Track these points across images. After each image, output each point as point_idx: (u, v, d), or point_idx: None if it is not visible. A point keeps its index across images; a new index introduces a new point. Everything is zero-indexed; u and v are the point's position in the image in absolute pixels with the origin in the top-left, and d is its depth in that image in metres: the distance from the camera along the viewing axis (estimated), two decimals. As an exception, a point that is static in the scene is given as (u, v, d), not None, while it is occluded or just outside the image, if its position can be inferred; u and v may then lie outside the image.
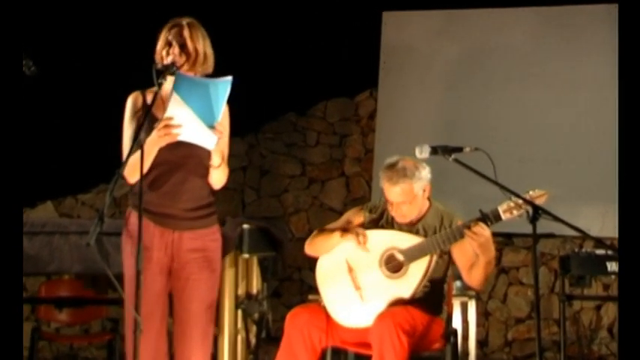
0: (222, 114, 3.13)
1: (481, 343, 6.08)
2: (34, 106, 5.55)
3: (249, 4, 6.16)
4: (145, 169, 3.08)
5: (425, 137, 5.05)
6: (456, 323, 4.85)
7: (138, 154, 2.99)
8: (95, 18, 5.88)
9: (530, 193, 3.50)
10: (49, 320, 5.68)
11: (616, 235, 4.89)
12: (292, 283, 6.61)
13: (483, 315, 6.15)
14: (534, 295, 3.29)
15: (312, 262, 3.99)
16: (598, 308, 5.97)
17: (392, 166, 3.79)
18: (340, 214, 4.19)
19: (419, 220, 3.87)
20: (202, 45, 3.23)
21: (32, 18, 5.08)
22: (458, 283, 4.63)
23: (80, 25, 5.88)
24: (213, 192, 3.35)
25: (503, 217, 3.60)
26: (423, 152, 3.56)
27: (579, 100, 5.90)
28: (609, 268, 4.82)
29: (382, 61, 6.42)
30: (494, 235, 3.70)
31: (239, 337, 4.69)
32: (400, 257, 3.78)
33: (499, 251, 6.18)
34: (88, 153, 6.08)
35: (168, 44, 3.20)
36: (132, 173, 3.08)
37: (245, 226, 4.66)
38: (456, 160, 3.48)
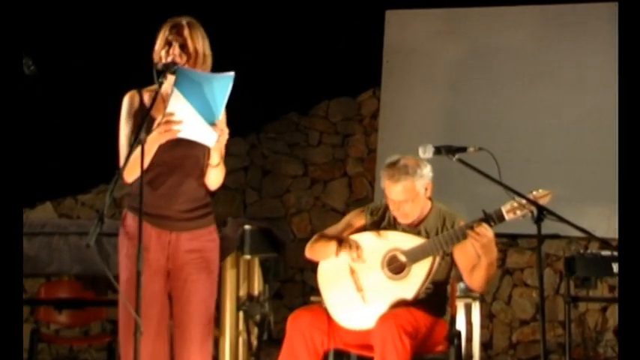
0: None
1: (485, 346, 6.07)
2: (33, 106, 5.56)
3: (251, 3, 6.17)
4: (145, 166, 3.08)
5: (428, 137, 5.05)
6: (460, 325, 4.85)
7: (136, 152, 2.98)
8: (94, 18, 5.89)
9: (534, 193, 3.50)
10: (48, 322, 5.69)
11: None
12: (294, 284, 6.61)
13: (487, 317, 6.15)
14: (539, 297, 3.29)
15: (314, 263, 3.99)
16: (604, 310, 5.96)
17: (393, 165, 3.80)
18: (343, 214, 4.20)
19: (421, 221, 3.87)
20: (202, 45, 3.24)
21: (32, 18, 5.09)
22: (462, 285, 4.63)
23: (79, 24, 5.89)
24: (209, 192, 3.35)
25: (507, 217, 3.59)
26: (426, 152, 3.56)
27: (585, 99, 5.90)
28: (615, 270, 4.81)
29: (385, 60, 6.42)
30: (499, 235, 3.70)
31: (240, 339, 4.69)
32: (402, 258, 3.78)
33: (503, 252, 6.18)
34: (87, 153, 6.08)
35: (168, 44, 3.19)
36: (130, 172, 3.08)
37: (246, 226, 4.66)
38: (460, 160, 3.48)
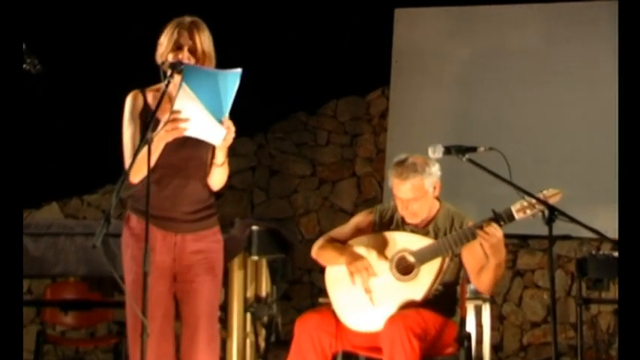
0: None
1: (496, 348, 6.06)
2: (39, 106, 5.58)
3: (258, 2, 6.17)
4: (151, 165, 3.08)
5: (438, 137, 5.04)
6: (470, 327, 4.85)
7: (143, 152, 2.98)
8: (99, 17, 5.90)
9: (544, 192, 3.50)
10: (54, 323, 5.70)
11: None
12: (302, 285, 6.61)
13: (498, 319, 6.14)
14: (550, 299, 3.28)
15: (322, 264, 3.99)
16: (616, 312, 5.94)
17: (401, 163, 3.80)
18: (351, 215, 4.20)
19: (429, 222, 3.87)
20: (209, 45, 3.25)
21: (37, 20, 5.11)
22: (472, 286, 4.62)
23: (85, 24, 5.90)
24: (213, 193, 3.35)
25: (517, 216, 3.59)
26: (436, 152, 3.56)
27: (596, 98, 5.88)
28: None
29: (394, 59, 6.41)
30: (509, 236, 3.70)
31: (248, 341, 4.69)
32: (411, 259, 3.77)
33: (514, 253, 6.17)
34: (93, 153, 6.09)
35: (178, 47, 3.19)
36: (136, 172, 3.09)
37: (254, 227, 4.66)
38: (470, 160, 3.48)
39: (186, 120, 3.04)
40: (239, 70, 3.06)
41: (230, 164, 3.33)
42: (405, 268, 3.78)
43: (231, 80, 3.06)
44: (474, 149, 3.52)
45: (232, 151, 3.28)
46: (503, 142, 4.03)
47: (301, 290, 6.60)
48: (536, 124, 6.03)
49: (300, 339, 3.75)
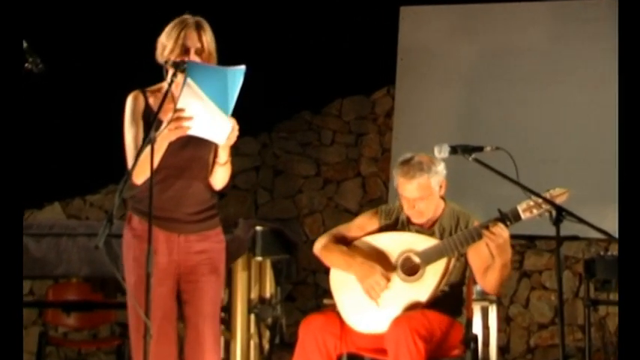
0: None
1: (502, 350, 6.06)
2: (41, 106, 5.59)
3: (262, 0, 6.17)
4: (154, 166, 3.08)
5: (444, 136, 5.05)
6: (476, 329, 4.84)
7: (146, 152, 2.98)
8: (101, 17, 5.90)
9: (551, 191, 3.50)
10: (56, 325, 5.71)
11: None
12: (307, 286, 6.61)
13: (505, 320, 6.13)
14: (558, 300, 3.28)
15: (326, 265, 3.99)
16: (624, 314, 5.93)
17: (407, 162, 3.80)
18: (356, 215, 4.19)
19: (435, 222, 3.87)
20: (213, 46, 3.25)
21: (39, 20, 5.12)
22: (478, 288, 4.62)
23: (87, 24, 5.90)
24: (215, 193, 3.36)
25: (523, 216, 3.59)
26: (442, 152, 3.56)
27: (604, 97, 5.87)
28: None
29: (399, 58, 6.41)
30: (516, 237, 3.70)
31: (252, 343, 4.69)
32: (416, 260, 3.77)
33: (521, 254, 6.16)
34: (96, 153, 6.10)
35: (185, 50, 3.19)
36: (139, 173, 3.08)
37: (258, 227, 4.66)
38: (477, 160, 3.48)
39: (189, 118, 3.04)
40: (243, 67, 3.06)
41: (234, 164, 3.33)
42: (410, 269, 3.78)
43: (236, 77, 3.06)
44: (480, 149, 3.52)
45: (236, 151, 3.28)
46: (510, 141, 4.02)
47: (306, 291, 6.60)
48: (543, 123, 6.02)
49: (305, 341, 3.75)
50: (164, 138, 3.07)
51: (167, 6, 3.43)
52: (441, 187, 3.84)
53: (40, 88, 4.21)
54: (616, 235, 3.35)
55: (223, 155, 3.24)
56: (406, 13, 6.42)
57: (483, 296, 4.95)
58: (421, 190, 3.77)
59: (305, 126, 6.82)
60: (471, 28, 6.29)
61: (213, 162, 3.28)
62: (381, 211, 3.98)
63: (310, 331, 3.75)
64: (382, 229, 3.93)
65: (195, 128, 3.07)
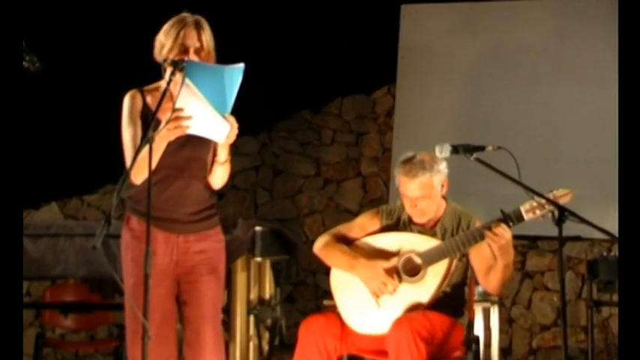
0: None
1: (504, 351, 6.06)
2: (38, 105, 5.59)
3: (262, -2, 6.18)
4: (153, 166, 3.08)
5: (445, 135, 5.04)
6: (478, 330, 4.84)
7: (144, 152, 2.99)
8: (99, 16, 5.90)
9: (554, 192, 3.50)
10: (53, 326, 5.72)
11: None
12: (306, 287, 6.61)
13: (507, 321, 6.13)
14: (560, 301, 3.28)
15: (327, 265, 3.99)
16: (627, 315, 5.93)
17: (409, 160, 3.81)
18: (356, 215, 4.19)
19: (436, 222, 3.87)
20: (212, 44, 3.25)
21: (36, 19, 5.12)
22: (480, 289, 4.62)
23: (84, 23, 5.90)
24: (214, 193, 3.36)
25: (526, 217, 3.59)
26: (443, 151, 3.56)
27: (608, 96, 5.86)
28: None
29: (400, 56, 6.41)
30: (518, 237, 3.70)
31: (251, 344, 4.70)
32: (418, 261, 3.77)
33: (523, 255, 6.16)
34: (93, 153, 6.10)
35: (184, 49, 3.19)
36: (138, 173, 3.08)
37: (257, 228, 4.67)
38: (478, 160, 3.48)
39: (188, 118, 3.04)
40: (242, 65, 3.06)
41: (233, 163, 3.33)
42: (411, 270, 3.78)
43: (235, 75, 3.06)
44: (482, 148, 3.52)
45: (235, 150, 3.29)
46: (512, 140, 4.04)
47: (305, 292, 6.61)
48: (545, 123, 6.02)
49: (305, 342, 3.75)
50: (163, 138, 3.07)
51: (165, 4, 3.43)
52: (442, 186, 3.84)
53: (38, 87, 4.21)
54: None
55: (223, 154, 3.24)
56: (407, 11, 6.42)
57: (485, 297, 4.95)
58: (423, 189, 3.77)
59: (305, 125, 6.82)
60: (473, 26, 6.29)
61: (212, 161, 3.28)
62: (382, 211, 3.98)
63: (310, 333, 3.75)
64: (383, 229, 3.93)
65: (195, 127, 3.07)
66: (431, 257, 3.75)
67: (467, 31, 6.29)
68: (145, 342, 2.88)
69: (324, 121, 6.81)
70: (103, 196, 6.69)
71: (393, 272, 3.78)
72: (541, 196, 3.43)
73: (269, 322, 4.75)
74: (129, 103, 3.24)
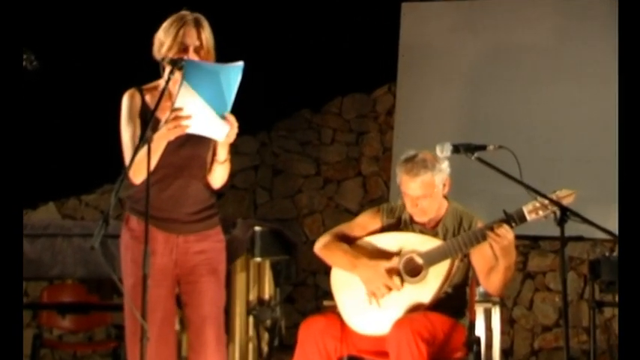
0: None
1: (506, 352, 6.06)
2: (35, 105, 5.59)
3: (261, -4, 6.18)
4: (153, 166, 3.08)
5: (446, 135, 5.05)
6: (479, 331, 4.84)
7: (143, 151, 2.99)
8: (98, 16, 5.90)
9: (557, 192, 3.49)
10: (51, 327, 5.72)
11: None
12: (306, 288, 6.61)
13: (508, 322, 6.13)
14: (562, 302, 3.27)
15: (327, 266, 3.99)
16: (630, 316, 5.93)
17: (411, 159, 3.81)
18: (356, 215, 4.19)
19: (438, 222, 3.87)
20: (211, 43, 3.25)
21: (34, 18, 5.12)
22: (481, 289, 4.62)
23: (82, 23, 5.90)
24: (216, 193, 3.36)
25: (529, 217, 3.59)
26: (444, 150, 3.56)
27: (609, 95, 5.86)
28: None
29: (401, 55, 6.41)
30: (520, 237, 3.70)
31: (250, 345, 4.70)
32: (419, 261, 3.77)
33: (525, 255, 6.16)
34: (91, 152, 6.10)
35: (184, 48, 3.18)
36: (137, 173, 3.08)
37: (257, 228, 4.67)
38: (479, 159, 3.48)
39: (188, 117, 3.04)
40: (241, 64, 3.06)
41: (232, 163, 3.33)
42: (412, 270, 3.78)
43: (234, 74, 3.06)
44: (483, 147, 3.51)
45: (234, 150, 3.28)
46: (513, 140, 4.02)
47: (305, 293, 6.61)
48: (547, 122, 6.02)
49: (305, 343, 3.75)
50: (162, 137, 3.07)
51: (164, 3, 3.43)
52: (444, 185, 3.84)
53: (35, 86, 4.21)
54: (620, 235, 3.36)
55: (222, 153, 3.24)
56: (408, 9, 6.42)
57: (486, 298, 4.95)
58: (424, 188, 3.77)
59: (305, 124, 6.82)
60: (474, 25, 6.29)
61: (212, 160, 3.28)
62: (383, 210, 3.98)
63: (310, 334, 3.75)
64: (385, 228, 3.92)
65: (194, 126, 3.08)
66: (432, 257, 3.75)
67: (468, 30, 6.29)
68: (143, 343, 2.88)
69: (324, 120, 6.81)
70: (101, 195, 6.69)
71: (395, 273, 3.78)
72: (544, 196, 3.42)
73: (268, 322, 4.75)
74: (128, 103, 3.24)
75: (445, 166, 3.82)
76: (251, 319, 4.69)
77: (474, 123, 6.15)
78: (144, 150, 2.98)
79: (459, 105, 6.26)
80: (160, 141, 3.07)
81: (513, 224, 3.62)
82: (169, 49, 3.18)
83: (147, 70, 3.30)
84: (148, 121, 3.05)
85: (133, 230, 3.24)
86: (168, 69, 3.11)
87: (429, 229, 3.87)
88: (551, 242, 6.06)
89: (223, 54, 3.29)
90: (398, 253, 3.80)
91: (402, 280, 3.77)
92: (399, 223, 3.93)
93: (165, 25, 3.24)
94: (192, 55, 3.17)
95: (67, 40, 5.87)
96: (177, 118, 3.03)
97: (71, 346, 6.25)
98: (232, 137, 3.16)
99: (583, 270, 5.95)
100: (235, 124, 3.13)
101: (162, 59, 3.18)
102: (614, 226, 3.42)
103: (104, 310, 5.24)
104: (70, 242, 4.67)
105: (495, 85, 6.19)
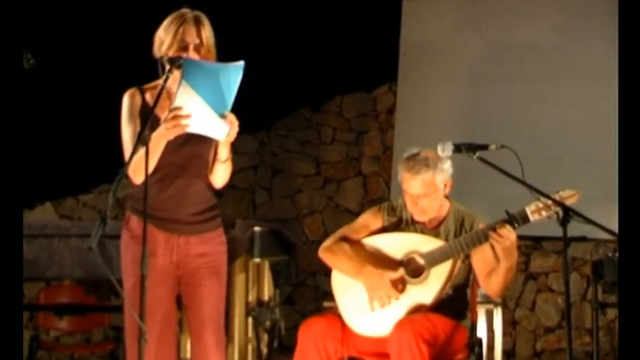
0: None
1: (508, 354, 6.06)
2: (32, 104, 5.58)
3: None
4: (153, 165, 3.09)
5: (447, 134, 5.05)
6: (481, 332, 4.84)
7: (142, 152, 2.98)
8: (95, 15, 5.90)
9: (560, 193, 3.49)
10: (48, 328, 5.72)
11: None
12: (306, 288, 6.61)
13: (510, 324, 6.14)
14: (565, 303, 3.28)
15: (327, 266, 3.99)
16: (633, 317, 5.93)
17: (413, 157, 3.81)
18: (357, 215, 4.19)
19: (440, 223, 3.87)
20: (212, 41, 3.25)
21: (32, 17, 5.12)
22: (482, 290, 4.62)
23: (79, 21, 5.90)
24: (216, 193, 3.36)
25: (531, 218, 3.59)
26: (445, 150, 3.56)
27: (612, 94, 5.85)
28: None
29: (402, 53, 6.41)
30: (522, 238, 3.70)
31: (249, 347, 4.70)
32: (421, 261, 3.78)
33: (527, 256, 6.16)
34: (89, 151, 6.10)
35: (184, 46, 3.18)
36: (138, 172, 3.08)
37: (256, 228, 4.66)
38: (481, 159, 3.48)
39: (187, 116, 3.04)
40: (241, 63, 3.06)
41: (232, 162, 3.33)
42: (414, 271, 3.78)
43: (234, 73, 3.06)
44: (485, 147, 3.51)
45: (233, 149, 3.28)
46: (515, 139, 4.03)
47: (305, 294, 6.61)
48: (549, 121, 6.02)
49: (304, 345, 3.75)
50: (161, 137, 3.07)
51: (164, 1, 3.43)
52: (445, 185, 3.84)
53: (32, 86, 4.21)
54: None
55: (224, 152, 3.23)
56: (409, 7, 6.42)
57: (488, 299, 4.94)
58: (425, 187, 3.77)
59: (304, 123, 6.82)
60: (476, 23, 6.29)
61: (214, 160, 3.28)
62: (384, 208, 3.98)
63: (310, 335, 3.75)
64: (386, 227, 3.92)
65: (194, 126, 3.07)
66: (434, 258, 3.75)
67: (469, 28, 6.29)
68: (141, 344, 2.88)
69: (324, 119, 6.81)
70: (99, 195, 6.69)
71: (399, 283, 3.78)
72: (547, 197, 3.42)
73: (268, 324, 4.75)
74: (128, 102, 3.24)
75: (447, 165, 3.82)
76: (250, 320, 4.69)
77: (475, 122, 6.15)
78: (144, 149, 2.98)
79: (460, 104, 6.26)
80: (159, 140, 3.07)
81: (516, 225, 3.62)
82: (169, 47, 3.18)
83: (147, 70, 3.30)
84: (146, 120, 3.04)
85: (133, 230, 3.24)
86: (167, 68, 3.11)
87: (430, 229, 3.87)
88: (554, 243, 6.06)
89: (223, 53, 3.29)
90: (400, 254, 3.80)
91: (404, 289, 3.77)
92: (399, 222, 3.93)
93: (165, 23, 3.24)
94: (192, 53, 3.17)
95: (66, 40, 5.87)
96: (176, 117, 3.03)
97: (68, 348, 6.25)
98: (233, 136, 3.15)
99: (586, 271, 5.95)
100: (236, 123, 3.13)
101: (161, 58, 3.18)
102: (617, 226, 3.42)
103: (102, 311, 5.24)
104: (68, 243, 4.67)
105: (497, 84, 6.19)
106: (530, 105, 6.09)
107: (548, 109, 6.05)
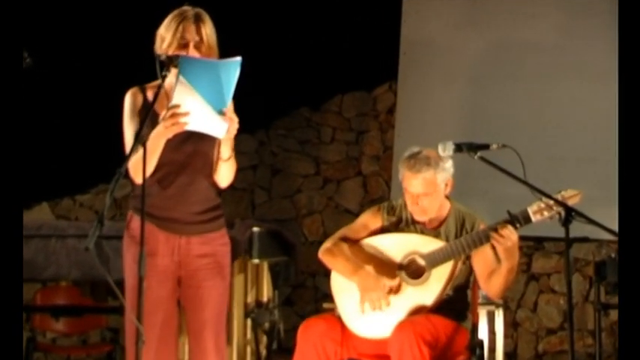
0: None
1: (509, 356, 6.06)
2: (30, 104, 5.58)
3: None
4: (153, 164, 3.08)
5: (448, 133, 5.05)
6: (482, 334, 4.83)
7: (142, 151, 2.98)
8: (94, 14, 5.90)
9: (562, 193, 3.49)
10: (44, 330, 5.72)
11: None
12: (305, 290, 6.61)
13: (512, 325, 6.14)
14: (567, 304, 3.28)
15: (326, 267, 3.99)
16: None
17: (414, 156, 3.80)
18: (356, 215, 4.19)
19: (441, 223, 3.86)
20: (213, 38, 3.24)
21: (31, 16, 5.11)
22: (483, 291, 4.62)
23: (77, 20, 5.90)
24: (220, 193, 3.35)
25: (533, 218, 3.59)
26: (446, 150, 3.55)
27: (614, 93, 5.85)
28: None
29: (402, 52, 6.41)
30: (524, 239, 3.70)
31: (248, 349, 4.70)
32: (422, 262, 3.77)
33: (529, 257, 6.16)
34: (86, 151, 6.10)
35: (184, 44, 3.18)
36: (138, 172, 3.07)
37: (255, 229, 4.66)
38: (482, 158, 3.47)
39: (186, 114, 3.03)
40: (238, 59, 3.06)
41: (236, 160, 3.32)
42: (415, 272, 3.78)
43: (231, 69, 3.05)
44: (486, 147, 3.51)
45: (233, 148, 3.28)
46: (517, 139, 4.02)
47: (304, 295, 6.60)
48: (551, 121, 6.03)
49: (304, 346, 3.74)
50: (160, 135, 3.07)
51: (164, 2, 3.43)
52: (446, 185, 3.83)
53: (30, 85, 4.21)
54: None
55: (225, 150, 3.22)
56: (409, 5, 6.42)
57: (489, 300, 4.94)
58: (426, 186, 3.76)
59: (304, 123, 6.82)
60: (476, 22, 6.29)
61: (217, 158, 3.27)
62: (384, 208, 3.97)
63: (309, 337, 3.75)
64: (386, 227, 3.92)
65: (193, 123, 3.07)
66: (435, 259, 3.75)
67: (470, 27, 6.30)
68: (139, 346, 2.87)
69: (323, 118, 6.81)
70: (96, 196, 6.69)
71: (398, 289, 3.77)
72: (549, 197, 3.42)
73: (267, 325, 4.74)
74: (130, 101, 3.24)
75: (449, 165, 3.81)
76: (249, 321, 4.69)
77: (475, 121, 6.15)
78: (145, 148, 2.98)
79: (461, 103, 6.26)
80: (158, 139, 3.07)
81: (518, 225, 3.61)
82: (169, 44, 3.18)
83: (147, 69, 3.29)
84: (146, 119, 3.04)
85: (134, 230, 3.22)
86: (164, 66, 3.11)
87: (431, 229, 3.87)
88: (556, 243, 6.06)
89: (223, 51, 3.29)
90: (400, 255, 3.80)
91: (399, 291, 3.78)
92: (399, 222, 3.92)
93: (166, 20, 3.24)
94: (192, 51, 3.16)
95: (62, 39, 5.87)
96: (174, 115, 3.03)
97: (65, 350, 6.25)
98: (233, 132, 3.14)
99: (588, 271, 5.95)
100: (235, 119, 3.12)
101: (158, 56, 3.18)
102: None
103: (99, 312, 5.23)
104: (64, 243, 4.67)
105: (498, 82, 6.19)
106: (531, 104, 6.10)
107: (550, 108, 6.05)
